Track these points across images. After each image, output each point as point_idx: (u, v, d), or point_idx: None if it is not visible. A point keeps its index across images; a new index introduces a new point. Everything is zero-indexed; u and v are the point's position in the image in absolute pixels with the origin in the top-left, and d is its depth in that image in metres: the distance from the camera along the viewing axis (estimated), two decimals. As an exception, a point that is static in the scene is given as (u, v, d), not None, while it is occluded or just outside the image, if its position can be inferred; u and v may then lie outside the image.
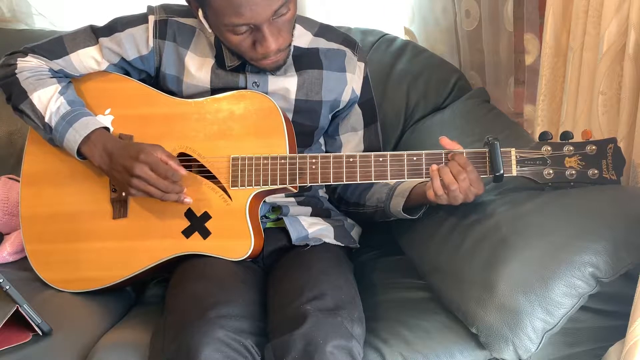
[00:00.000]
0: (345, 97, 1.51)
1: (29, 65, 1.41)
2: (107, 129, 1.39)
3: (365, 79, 1.54)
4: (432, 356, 1.25)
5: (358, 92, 1.52)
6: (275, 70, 1.38)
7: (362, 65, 1.53)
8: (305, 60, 1.47)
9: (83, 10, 2.13)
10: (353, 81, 1.51)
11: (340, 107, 1.52)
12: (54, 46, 1.43)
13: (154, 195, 1.32)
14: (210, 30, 1.36)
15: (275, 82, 1.45)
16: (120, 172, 1.33)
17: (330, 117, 1.53)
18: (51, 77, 1.40)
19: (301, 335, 1.15)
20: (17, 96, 1.39)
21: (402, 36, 2.09)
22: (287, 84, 1.46)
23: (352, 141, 1.56)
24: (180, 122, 1.40)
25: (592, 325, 1.26)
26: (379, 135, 1.60)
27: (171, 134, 1.40)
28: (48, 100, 1.37)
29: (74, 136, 1.35)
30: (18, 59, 1.41)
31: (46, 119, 1.36)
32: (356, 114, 1.55)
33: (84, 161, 1.40)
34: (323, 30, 1.52)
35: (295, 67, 1.47)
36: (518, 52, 1.83)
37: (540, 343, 1.19)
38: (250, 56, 1.34)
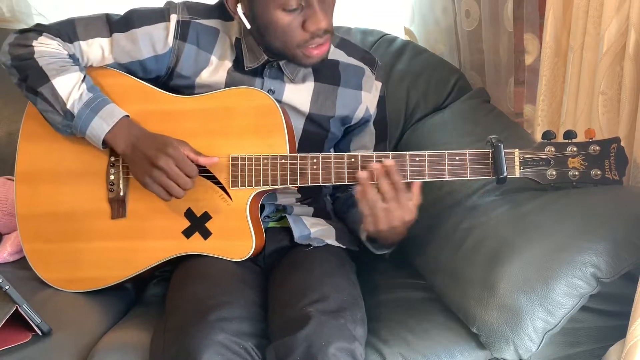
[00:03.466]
0: (359, 115, 1.50)
1: (48, 49, 1.35)
2: (128, 116, 1.37)
3: (382, 98, 1.53)
4: (433, 356, 1.25)
5: (372, 110, 1.51)
6: (318, 63, 1.35)
7: (379, 85, 1.52)
8: (324, 71, 1.46)
9: (83, 10, 2.12)
10: (368, 100, 1.50)
11: (352, 122, 1.51)
12: (66, 29, 1.39)
13: (170, 190, 1.30)
14: (249, 26, 1.34)
15: (291, 91, 1.43)
16: (142, 160, 1.31)
17: (342, 130, 1.52)
18: (73, 64, 1.37)
19: (304, 337, 1.14)
20: (35, 79, 1.34)
21: (402, 36, 2.08)
22: (302, 94, 1.44)
23: None
24: (178, 119, 1.39)
25: (593, 325, 1.26)
26: (387, 150, 1.59)
27: (168, 132, 1.37)
28: (72, 87, 1.33)
29: (100, 125, 1.32)
30: (34, 40, 1.36)
31: (68, 106, 1.33)
32: (370, 133, 1.54)
33: (80, 159, 1.39)
34: (343, 44, 1.51)
35: (315, 76, 1.45)
36: (518, 52, 1.83)
37: (541, 343, 1.19)
38: (298, 41, 1.31)
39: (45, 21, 2.13)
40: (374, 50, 1.92)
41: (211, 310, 1.19)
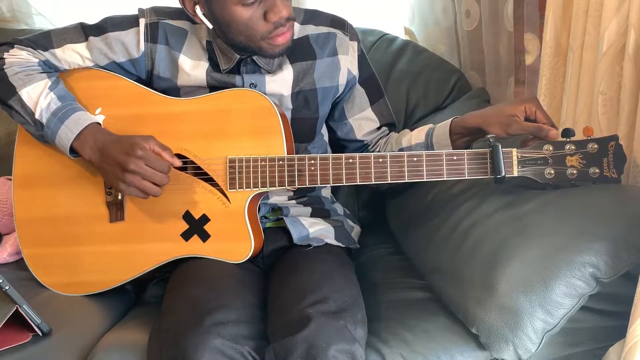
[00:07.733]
0: (342, 80, 1.49)
1: (17, 59, 1.38)
2: (98, 123, 1.37)
3: (361, 57, 1.52)
4: (432, 357, 1.25)
5: (355, 72, 1.50)
6: (284, 51, 1.36)
7: (354, 44, 1.50)
8: (298, 51, 1.45)
9: (82, 10, 2.13)
10: (347, 62, 1.49)
11: (340, 91, 1.50)
12: (41, 40, 1.42)
13: (148, 191, 1.30)
14: (210, 26, 1.35)
15: (272, 81, 1.44)
16: (113, 167, 1.31)
17: (330, 105, 1.52)
18: (41, 72, 1.39)
19: (304, 338, 1.14)
20: (5, 92, 1.36)
21: (402, 36, 2.09)
22: (284, 81, 1.44)
23: (363, 122, 1.54)
24: (174, 122, 1.38)
25: (592, 325, 1.26)
26: (389, 108, 1.58)
27: (165, 135, 1.37)
28: (38, 96, 1.35)
29: (66, 134, 1.33)
30: (5, 53, 1.39)
31: (36, 116, 1.34)
32: (359, 95, 1.53)
33: (77, 163, 1.39)
34: (309, 16, 1.49)
35: (290, 60, 1.45)
36: (518, 52, 1.83)
37: (540, 343, 1.19)
38: (262, 32, 1.31)
39: (45, 21, 2.14)
40: (374, 50, 1.92)
41: (208, 314, 1.18)
